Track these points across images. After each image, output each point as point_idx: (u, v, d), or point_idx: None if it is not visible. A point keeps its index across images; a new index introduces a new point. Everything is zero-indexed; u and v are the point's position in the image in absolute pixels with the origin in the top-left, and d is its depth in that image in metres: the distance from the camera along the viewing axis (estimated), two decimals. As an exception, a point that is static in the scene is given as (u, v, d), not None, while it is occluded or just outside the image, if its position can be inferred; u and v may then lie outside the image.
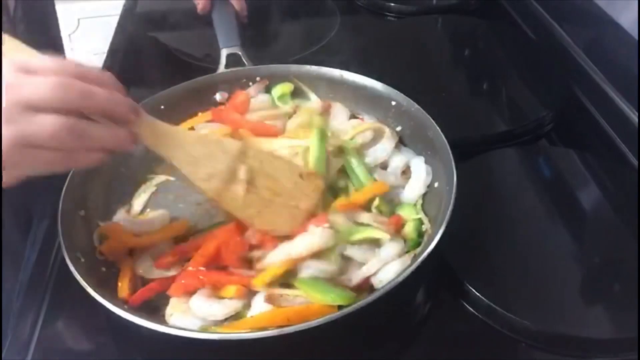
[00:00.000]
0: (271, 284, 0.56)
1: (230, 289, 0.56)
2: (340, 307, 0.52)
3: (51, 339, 0.59)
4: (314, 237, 0.57)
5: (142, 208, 0.68)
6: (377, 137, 0.71)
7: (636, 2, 0.74)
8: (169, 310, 0.56)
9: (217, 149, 0.58)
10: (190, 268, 0.58)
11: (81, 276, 0.53)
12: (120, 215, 0.66)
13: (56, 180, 0.60)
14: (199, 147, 0.57)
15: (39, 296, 0.62)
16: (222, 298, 0.56)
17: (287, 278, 0.57)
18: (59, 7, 1.07)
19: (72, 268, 0.54)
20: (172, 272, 0.59)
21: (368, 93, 0.75)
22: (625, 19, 0.78)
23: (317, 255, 0.57)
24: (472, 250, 0.64)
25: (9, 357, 0.57)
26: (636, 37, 0.75)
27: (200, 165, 0.56)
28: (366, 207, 0.63)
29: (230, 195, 0.58)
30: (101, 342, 0.59)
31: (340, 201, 0.63)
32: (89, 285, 0.52)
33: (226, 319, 0.55)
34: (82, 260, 0.57)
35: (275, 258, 0.57)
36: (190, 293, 0.57)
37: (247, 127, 0.72)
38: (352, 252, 0.59)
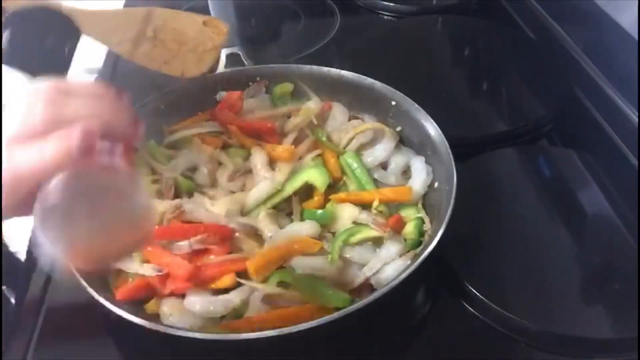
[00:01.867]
0: (267, 280, 0.56)
1: (226, 279, 0.56)
2: (337, 308, 0.52)
3: (51, 338, 0.59)
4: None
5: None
6: (377, 137, 0.72)
7: (636, 2, 0.74)
8: (168, 310, 0.55)
9: (125, 18, 0.70)
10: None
11: (81, 276, 0.53)
12: None
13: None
14: (110, 20, 0.69)
15: (38, 296, 0.62)
16: (220, 293, 0.56)
17: (284, 276, 0.57)
18: (59, 7, 1.07)
19: (72, 267, 0.54)
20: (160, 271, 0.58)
21: (368, 93, 0.75)
22: (625, 19, 0.78)
23: (314, 252, 0.58)
24: (472, 250, 0.64)
25: (9, 356, 0.57)
26: (636, 37, 0.74)
27: (112, 34, 0.68)
28: (366, 207, 0.63)
29: (140, 52, 0.70)
30: (101, 342, 0.59)
31: (340, 195, 0.64)
32: (89, 285, 0.52)
33: (225, 317, 0.55)
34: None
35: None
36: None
37: (239, 126, 0.72)
38: (352, 253, 0.59)
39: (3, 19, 0.61)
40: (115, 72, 0.98)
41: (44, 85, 0.35)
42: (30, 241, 0.71)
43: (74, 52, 0.85)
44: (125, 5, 1.15)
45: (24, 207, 0.35)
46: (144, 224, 0.40)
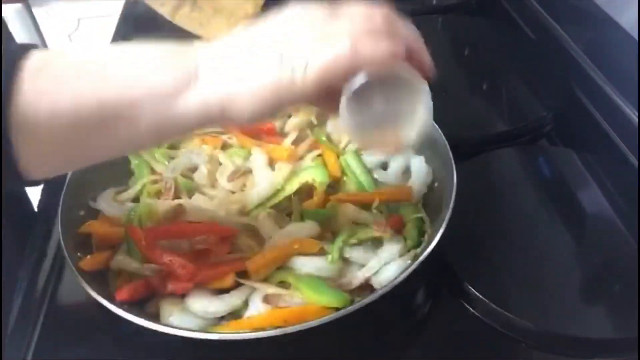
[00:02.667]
0: (267, 280, 0.56)
1: (226, 279, 0.56)
2: (337, 308, 0.52)
3: (51, 338, 0.59)
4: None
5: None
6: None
7: (636, 2, 0.74)
8: (168, 310, 0.55)
9: None
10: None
11: (81, 276, 0.53)
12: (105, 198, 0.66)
13: (56, 179, 0.60)
14: None
15: (39, 296, 0.62)
16: (220, 293, 0.56)
17: (284, 277, 0.57)
18: (59, 7, 1.07)
19: (72, 267, 0.54)
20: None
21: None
22: (625, 19, 0.78)
23: (314, 252, 0.58)
24: (472, 250, 0.64)
25: (9, 356, 0.57)
26: (636, 37, 0.74)
27: None
28: (366, 207, 0.63)
29: (180, 14, 0.77)
30: (101, 342, 0.59)
31: (340, 195, 0.64)
32: (89, 285, 0.53)
33: (225, 317, 0.55)
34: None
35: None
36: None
37: (239, 126, 0.72)
38: (352, 253, 0.59)
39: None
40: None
41: (383, 8, 0.44)
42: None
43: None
44: (125, 7, 1.15)
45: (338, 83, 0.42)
46: (421, 123, 0.46)
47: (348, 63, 0.40)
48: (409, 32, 0.45)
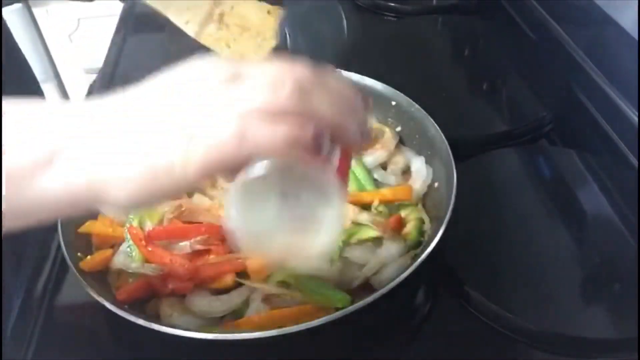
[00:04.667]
0: (267, 280, 0.56)
1: (226, 279, 0.56)
2: (337, 308, 0.52)
3: (51, 338, 0.59)
4: None
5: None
6: (377, 137, 0.71)
7: (636, 2, 0.74)
8: (168, 310, 0.55)
9: (196, 1, 0.73)
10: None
11: (81, 276, 0.53)
12: None
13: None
14: (182, 0, 0.72)
15: (39, 296, 0.62)
16: (220, 293, 0.56)
17: (284, 276, 0.57)
18: (59, 7, 1.07)
19: (72, 268, 0.54)
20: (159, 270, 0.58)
21: (368, 93, 0.74)
22: (625, 19, 0.78)
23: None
24: (472, 250, 0.64)
25: (9, 356, 0.57)
26: (636, 37, 0.74)
27: (184, 13, 0.72)
28: (366, 207, 0.63)
29: (206, 33, 0.73)
30: (101, 342, 0.59)
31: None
32: (89, 285, 0.53)
33: (225, 317, 0.55)
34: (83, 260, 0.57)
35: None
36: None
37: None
38: (352, 253, 0.59)
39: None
40: (115, 72, 0.98)
41: (300, 69, 0.35)
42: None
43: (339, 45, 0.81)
44: (125, 7, 1.15)
45: (231, 173, 0.35)
46: (328, 235, 0.37)
47: (234, 153, 0.33)
48: (330, 100, 0.35)
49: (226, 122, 0.33)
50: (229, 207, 0.36)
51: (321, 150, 0.33)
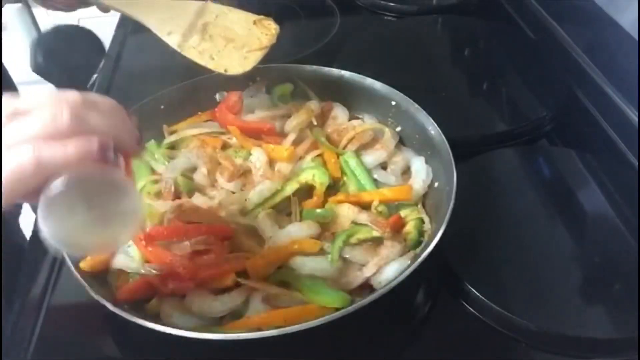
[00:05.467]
0: (267, 280, 0.56)
1: (226, 279, 0.56)
2: (337, 308, 0.52)
3: (51, 338, 0.59)
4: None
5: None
6: (377, 137, 0.72)
7: (636, 2, 0.74)
8: (168, 310, 0.56)
9: (180, 10, 0.72)
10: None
11: (81, 276, 0.53)
12: None
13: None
14: (165, 11, 0.71)
15: (38, 296, 0.62)
16: (220, 293, 0.56)
17: (284, 277, 0.57)
18: (59, 7, 1.07)
19: (72, 268, 0.54)
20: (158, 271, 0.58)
21: (368, 93, 0.75)
22: (625, 19, 0.78)
23: (314, 252, 0.58)
24: (472, 250, 0.64)
25: (9, 356, 0.57)
26: (636, 37, 0.74)
27: (166, 24, 0.70)
28: (366, 207, 0.63)
29: (189, 45, 0.70)
30: (101, 342, 0.59)
31: (339, 196, 0.64)
32: (89, 285, 0.53)
33: (225, 317, 0.55)
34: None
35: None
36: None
37: (239, 126, 0.72)
38: (352, 253, 0.59)
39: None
40: (115, 73, 0.98)
41: (72, 96, 0.41)
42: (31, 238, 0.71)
43: (97, 67, 0.89)
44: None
45: (33, 194, 0.40)
46: (132, 223, 0.45)
47: (33, 172, 0.38)
48: (103, 117, 0.42)
49: (22, 149, 0.38)
50: (39, 224, 0.40)
51: (109, 158, 0.41)
